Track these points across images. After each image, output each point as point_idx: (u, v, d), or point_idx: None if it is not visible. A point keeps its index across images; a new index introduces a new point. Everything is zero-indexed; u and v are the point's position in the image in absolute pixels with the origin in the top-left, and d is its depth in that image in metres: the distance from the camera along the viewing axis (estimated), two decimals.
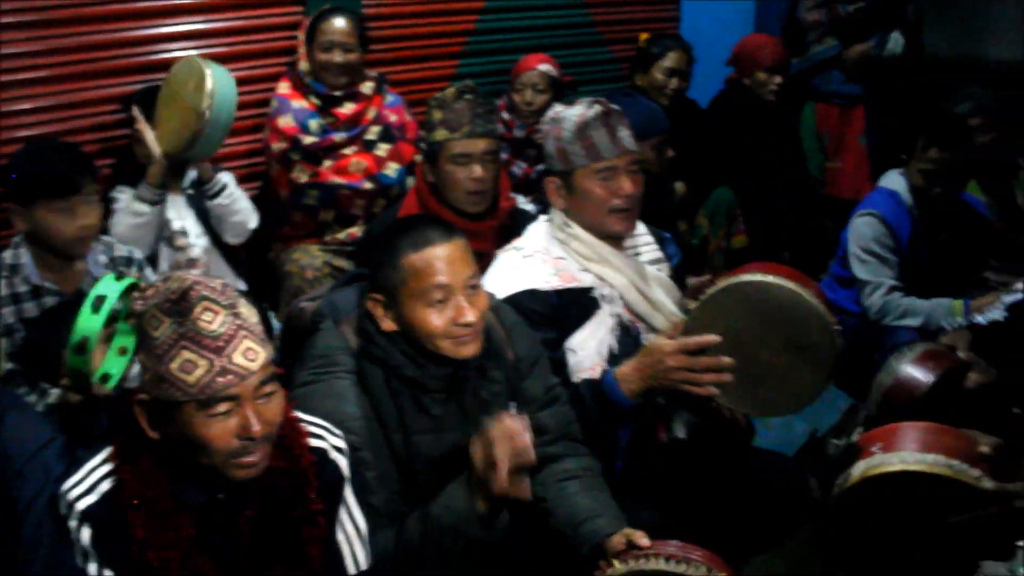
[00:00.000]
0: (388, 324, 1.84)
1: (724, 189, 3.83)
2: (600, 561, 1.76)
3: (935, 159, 3.10)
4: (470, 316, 1.81)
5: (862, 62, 4.44)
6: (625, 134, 2.20)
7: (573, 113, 2.20)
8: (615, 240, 2.25)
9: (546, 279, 2.19)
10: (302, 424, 1.64)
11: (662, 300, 2.25)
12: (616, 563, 1.71)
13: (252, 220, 3.05)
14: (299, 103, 3.27)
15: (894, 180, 3.23)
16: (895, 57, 4.42)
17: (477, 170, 2.61)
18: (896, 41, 4.40)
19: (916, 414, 2.21)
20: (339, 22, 3.23)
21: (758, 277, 2.00)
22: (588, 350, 2.17)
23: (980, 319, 2.67)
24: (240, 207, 2.97)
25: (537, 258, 2.22)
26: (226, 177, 2.95)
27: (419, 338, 1.82)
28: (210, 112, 2.69)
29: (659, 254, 2.37)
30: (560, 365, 2.16)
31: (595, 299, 2.21)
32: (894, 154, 3.28)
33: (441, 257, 1.80)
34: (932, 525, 1.87)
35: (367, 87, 3.33)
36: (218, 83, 2.72)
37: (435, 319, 1.80)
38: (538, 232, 2.30)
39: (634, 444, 2.27)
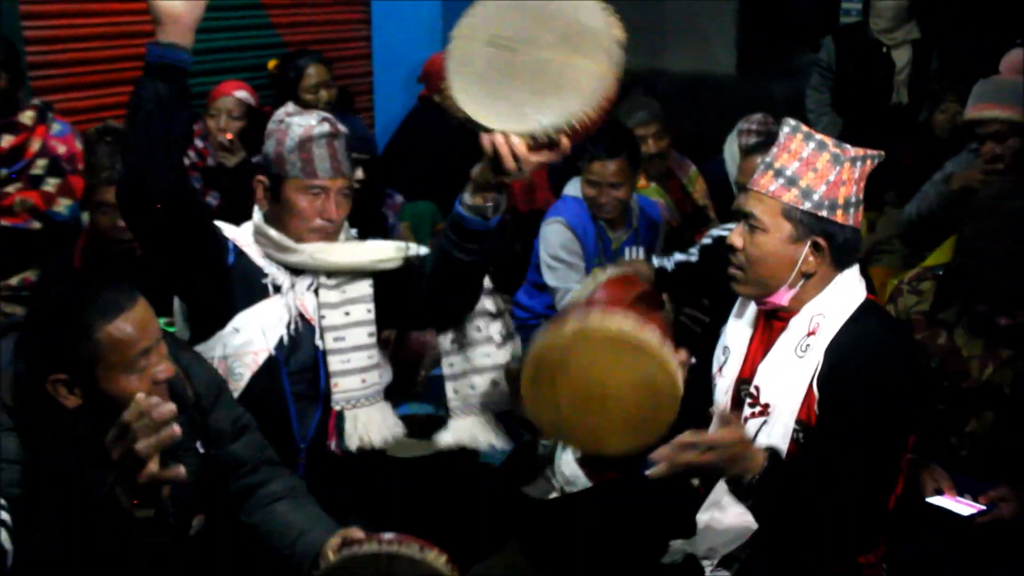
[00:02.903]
0: (73, 401, 1.71)
1: (425, 203, 3.88)
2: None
3: (598, 171, 3.21)
4: (167, 371, 1.75)
5: None
6: (344, 159, 2.18)
7: (300, 123, 2.16)
8: None
9: (229, 233, 2.20)
10: None
11: (380, 249, 2.27)
12: (330, 554, 1.75)
13: None
14: None
15: (576, 187, 3.39)
16: None
17: (121, 220, 2.42)
18: None
19: None
20: None
21: None
22: (252, 332, 2.16)
23: (666, 262, 2.81)
24: None
25: (227, 231, 2.22)
26: None
27: (117, 405, 1.67)
28: None
29: None
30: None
31: (265, 286, 2.19)
32: (571, 165, 3.44)
33: (136, 321, 1.70)
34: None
35: (27, 116, 3.05)
36: None
37: (136, 384, 1.71)
38: (239, 227, 2.28)
39: (313, 448, 2.24)
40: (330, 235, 2.22)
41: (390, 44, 4.81)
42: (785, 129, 1.93)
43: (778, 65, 6.35)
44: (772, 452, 1.85)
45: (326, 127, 2.15)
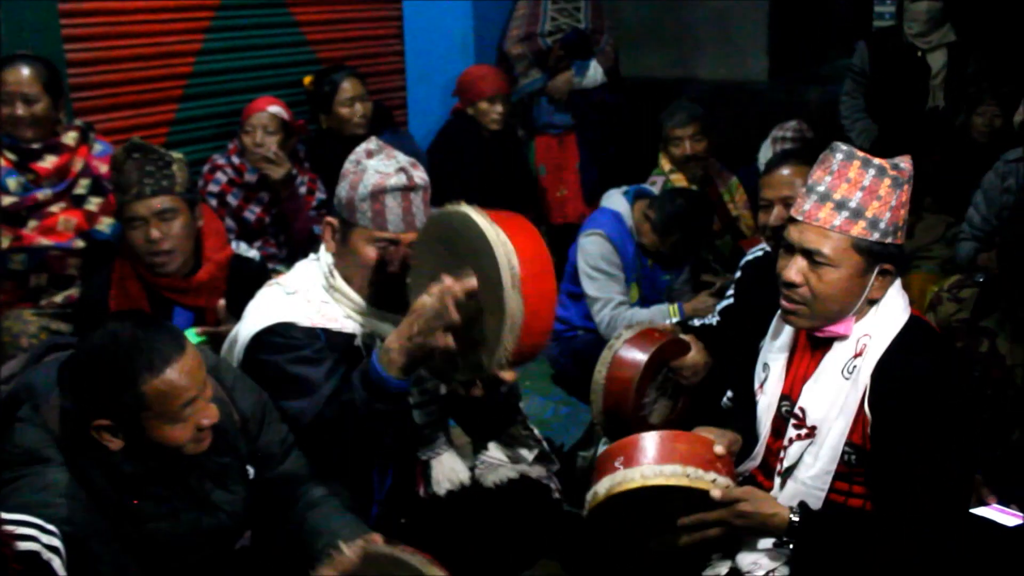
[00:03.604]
0: (117, 444, 1.72)
1: None
2: None
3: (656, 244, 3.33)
4: (213, 418, 1.76)
5: (566, 91, 4.67)
6: (419, 212, 2.11)
7: (376, 169, 2.07)
8: None
9: (308, 316, 2.12)
10: (7, 527, 1.50)
11: None
12: (343, 546, 1.72)
13: None
14: None
15: (616, 201, 3.41)
16: (596, 84, 4.68)
17: (153, 232, 2.48)
18: (596, 70, 4.68)
19: (639, 393, 2.28)
20: (19, 72, 2.97)
21: (445, 209, 1.92)
22: None
23: (695, 321, 2.81)
24: None
25: (300, 296, 2.15)
26: None
27: (164, 451, 1.74)
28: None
29: None
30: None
31: (358, 348, 2.15)
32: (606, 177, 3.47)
33: (183, 372, 1.70)
34: (674, 527, 1.96)
35: (70, 137, 3.09)
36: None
37: (182, 433, 1.73)
38: (305, 271, 2.22)
39: (391, 495, 2.25)
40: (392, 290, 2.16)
41: (422, 59, 4.83)
42: (839, 156, 1.86)
43: (810, 71, 6.32)
44: (803, 506, 1.87)
45: (402, 179, 2.06)
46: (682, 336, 2.41)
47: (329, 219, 2.17)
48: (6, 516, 1.54)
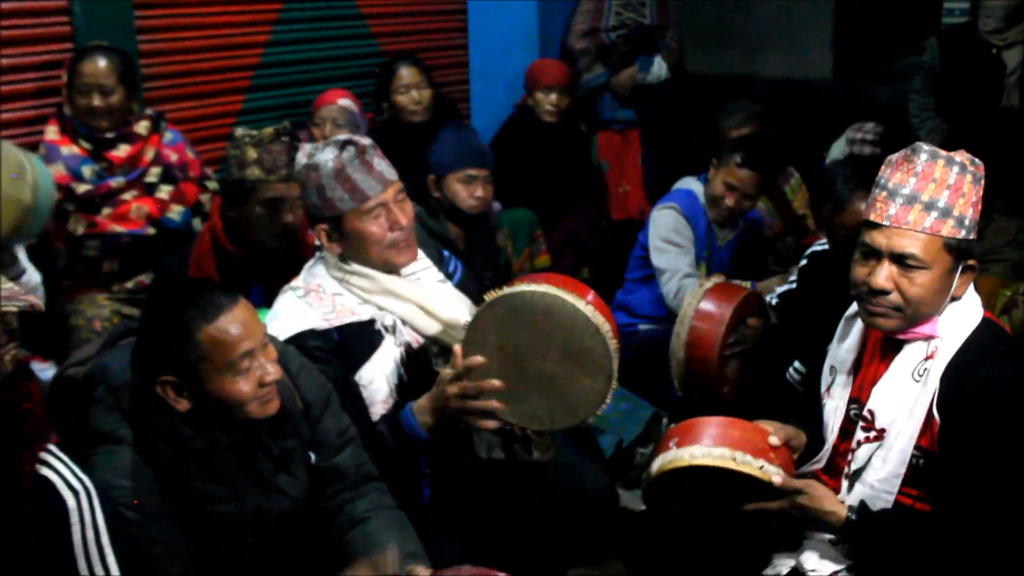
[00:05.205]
0: (184, 404, 1.75)
1: (523, 210, 3.89)
2: None
3: (741, 178, 3.28)
4: (275, 374, 1.77)
5: (629, 87, 4.65)
6: (383, 166, 2.14)
7: (327, 158, 2.10)
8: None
9: (324, 317, 2.14)
10: (43, 452, 1.55)
11: (455, 318, 2.22)
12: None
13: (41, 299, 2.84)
14: (69, 149, 3.07)
15: (689, 182, 3.41)
16: (660, 80, 4.65)
17: (289, 216, 2.59)
18: (660, 66, 4.65)
19: (724, 339, 2.31)
20: (97, 63, 3.05)
21: (519, 288, 2.00)
22: (377, 383, 2.15)
23: (770, 298, 2.83)
24: (34, 283, 2.72)
25: (313, 297, 2.16)
26: (23, 260, 2.69)
27: (227, 409, 1.76)
28: (35, 203, 2.41)
29: (440, 275, 2.35)
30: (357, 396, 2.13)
31: (378, 331, 2.17)
32: (673, 171, 3.45)
33: (238, 321, 1.73)
34: (727, 515, 1.98)
35: (142, 126, 3.16)
36: (39, 172, 2.45)
37: (243, 386, 1.75)
38: (314, 270, 2.23)
39: (436, 469, 2.26)
40: (408, 243, 2.19)
41: (486, 53, 4.85)
42: (923, 156, 1.83)
43: (875, 68, 6.21)
44: (862, 505, 1.86)
45: (352, 148, 2.10)
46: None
47: (319, 227, 2.16)
48: (52, 449, 1.59)
